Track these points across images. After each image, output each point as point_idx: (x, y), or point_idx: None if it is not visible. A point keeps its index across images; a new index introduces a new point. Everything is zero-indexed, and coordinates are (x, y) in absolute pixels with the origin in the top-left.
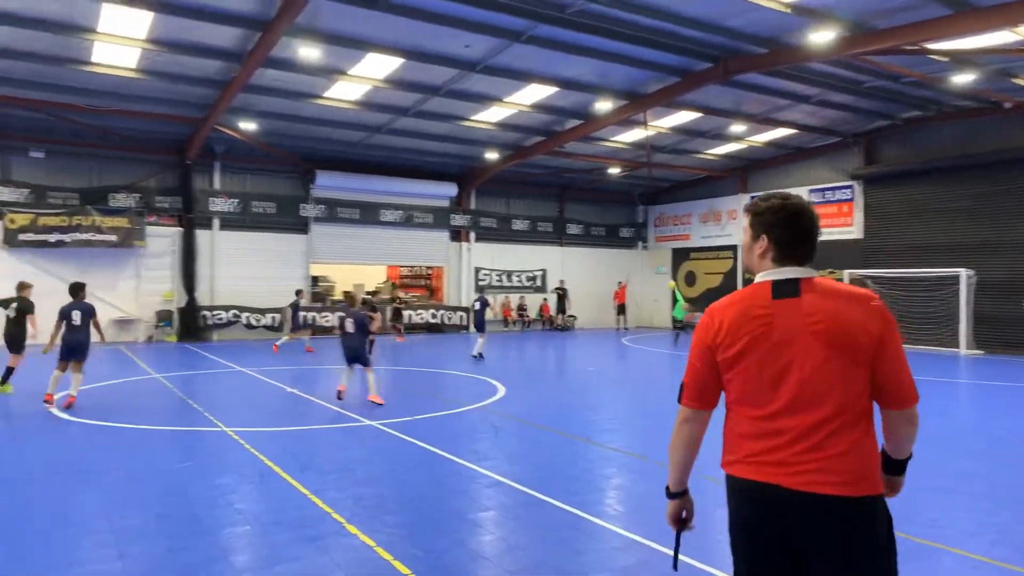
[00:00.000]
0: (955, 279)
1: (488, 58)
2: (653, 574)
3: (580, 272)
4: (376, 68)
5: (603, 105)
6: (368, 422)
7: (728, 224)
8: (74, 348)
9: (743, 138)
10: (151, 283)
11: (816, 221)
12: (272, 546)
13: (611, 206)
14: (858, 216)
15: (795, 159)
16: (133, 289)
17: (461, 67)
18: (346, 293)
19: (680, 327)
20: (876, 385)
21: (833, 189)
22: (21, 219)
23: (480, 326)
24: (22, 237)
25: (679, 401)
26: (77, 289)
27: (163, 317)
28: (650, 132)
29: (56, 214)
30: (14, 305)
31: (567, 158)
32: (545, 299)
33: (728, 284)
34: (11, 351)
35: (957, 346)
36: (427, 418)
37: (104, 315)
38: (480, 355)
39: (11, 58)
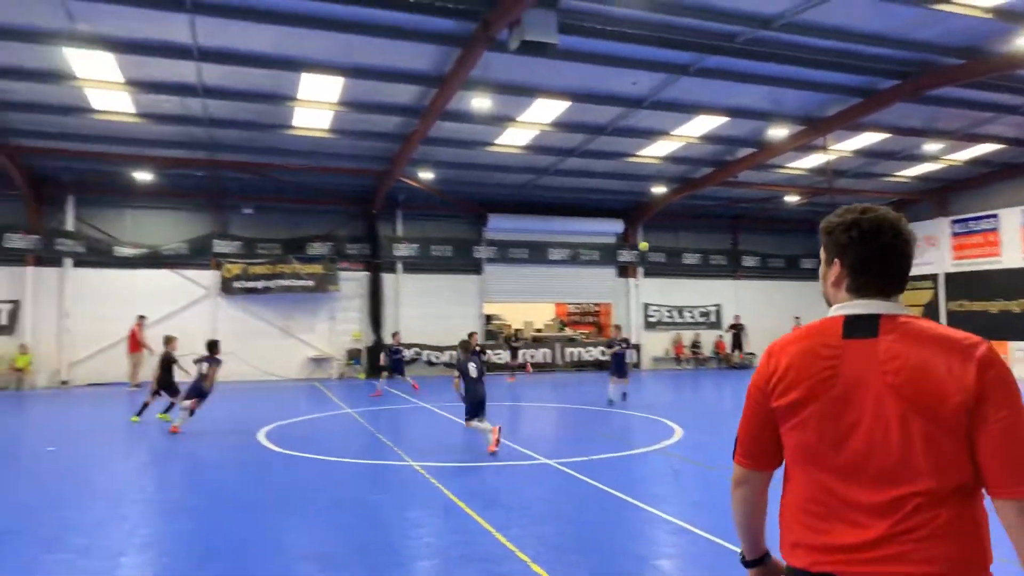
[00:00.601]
0: None
1: (655, 93)
2: None
3: (757, 306)
4: (544, 113)
5: (777, 132)
6: (545, 460)
7: (927, 251)
8: (198, 392)
9: (939, 157)
10: (343, 324)
11: (905, 239)
12: None
13: (789, 235)
14: None
15: (1003, 177)
16: (327, 330)
17: (627, 104)
18: (468, 339)
19: None
20: (977, 461)
21: None
22: (235, 268)
23: (621, 371)
24: (236, 285)
25: (732, 458)
26: (212, 345)
27: (353, 355)
28: (831, 157)
29: (263, 263)
30: (159, 356)
31: (739, 188)
32: (720, 336)
33: (930, 317)
34: (170, 395)
35: None
36: (603, 458)
37: (301, 354)
38: (620, 398)
39: (228, 127)
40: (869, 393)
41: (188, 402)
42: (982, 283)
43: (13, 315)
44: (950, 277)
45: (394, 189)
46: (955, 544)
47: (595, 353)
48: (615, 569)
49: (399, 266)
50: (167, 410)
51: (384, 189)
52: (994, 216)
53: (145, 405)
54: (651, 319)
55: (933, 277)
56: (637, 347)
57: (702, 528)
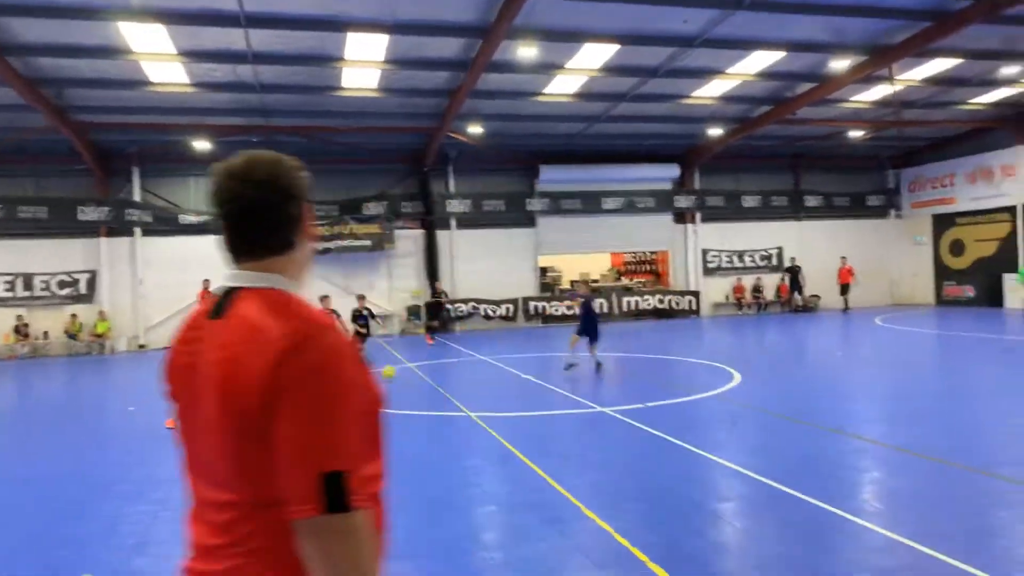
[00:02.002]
0: None
1: (708, 31)
2: None
3: (822, 248)
4: (592, 58)
5: (839, 64)
6: (601, 409)
7: (1003, 182)
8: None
9: (1018, 81)
10: (401, 281)
11: (254, 182)
12: (516, 527)
13: (854, 173)
14: None
15: None
16: (387, 288)
17: (679, 44)
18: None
19: None
20: None
21: None
22: None
23: (587, 328)
24: None
25: None
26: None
27: (412, 311)
28: (897, 87)
29: (322, 225)
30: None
31: (800, 125)
32: (783, 279)
33: (1005, 253)
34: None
35: None
36: (659, 406)
37: None
38: (587, 365)
39: (279, 92)
40: (200, 385)
41: None
42: None
43: (91, 284)
44: None
45: (444, 145)
46: (267, 570)
47: (653, 301)
48: (670, 513)
49: (453, 222)
50: None
51: (434, 146)
52: None
53: None
54: (710, 265)
55: (1011, 209)
56: (696, 294)
57: (758, 472)
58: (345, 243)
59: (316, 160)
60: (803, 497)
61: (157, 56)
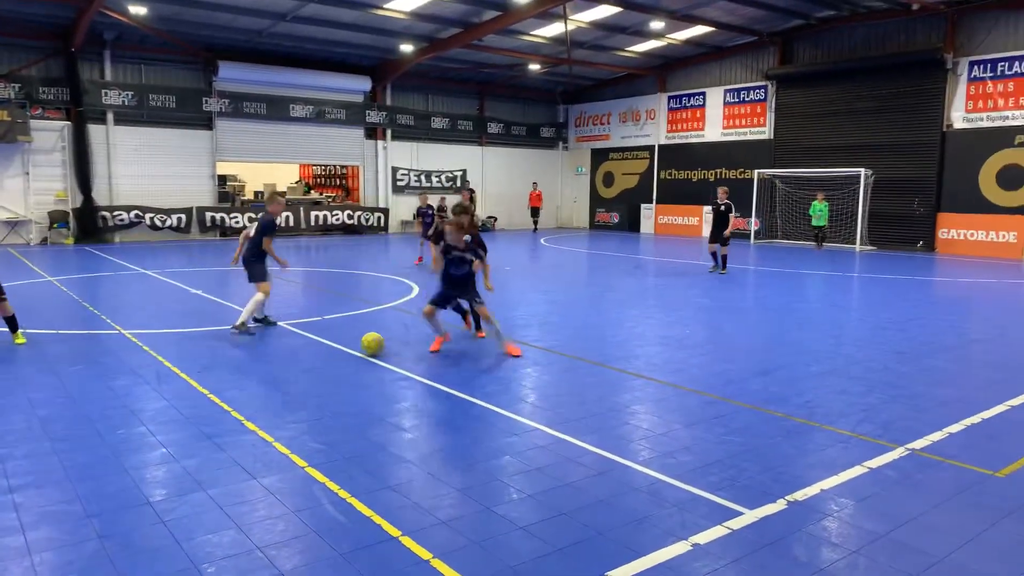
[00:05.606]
0: (855, 178)
1: None
2: (549, 458)
3: (501, 172)
4: None
5: None
6: (278, 323)
7: (647, 124)
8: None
9: (663, 35)
10: (41, 181)
11: None
12: (166, 445)
13: (532, 105)
14: (770, 117)
15: (713, 58)
16: (21, 188)
17: None
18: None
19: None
20: None
21: (748, 89)
22: None
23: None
24: None
25: None
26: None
27: (57, 218)
28: (570, 26)
29: None
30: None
31: (486, 52)
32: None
33: (644, 185)
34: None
35: (853, 242)
36: (338, 318)
37: None
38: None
39: None
40: None
41: None
42: (687, 154)
43: None
44: (663, 148)
45: (99, 24)
46: None
47: (342, 217)
48: (335, 420)
49: (110, 116)
50: None
51: (85, 22)
52: (702, 94)
53: None
54: (399, 183)
55: (650, 148)
56: (385, 211)
57: (424, 376)
58: None
59: None
60: (461, 395)
61: None
